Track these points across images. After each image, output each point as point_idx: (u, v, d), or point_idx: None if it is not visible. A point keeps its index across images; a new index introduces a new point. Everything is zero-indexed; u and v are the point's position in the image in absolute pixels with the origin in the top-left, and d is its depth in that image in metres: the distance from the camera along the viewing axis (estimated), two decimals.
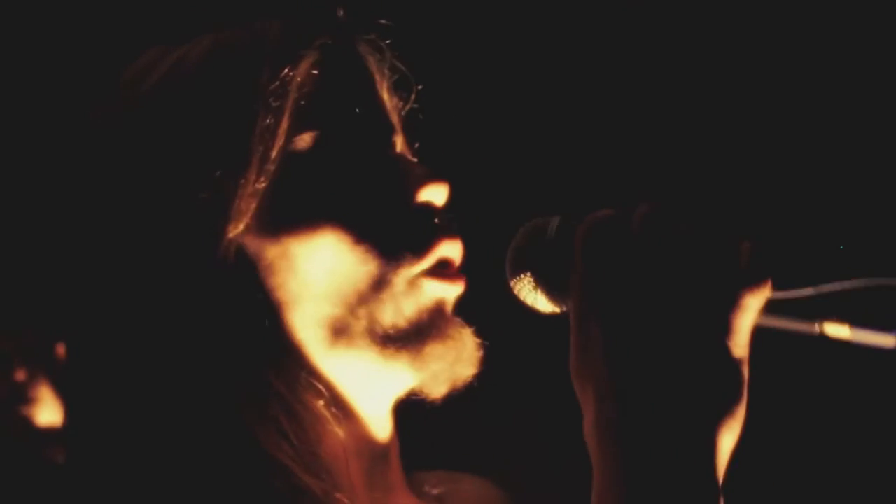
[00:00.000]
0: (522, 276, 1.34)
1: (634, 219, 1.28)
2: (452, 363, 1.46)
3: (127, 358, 1.38)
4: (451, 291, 1.48)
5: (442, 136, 1.67)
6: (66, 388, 1.44)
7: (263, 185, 1.40)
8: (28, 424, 2.80)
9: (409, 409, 1.57)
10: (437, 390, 1.51)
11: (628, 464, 1.20)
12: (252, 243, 1.41)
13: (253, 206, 1.39)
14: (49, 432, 2.89)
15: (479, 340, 1.51)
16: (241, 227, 1.39)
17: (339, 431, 1.44)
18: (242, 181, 1.38)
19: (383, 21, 1.62)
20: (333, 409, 1.44)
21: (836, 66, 2.32)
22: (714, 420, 1.21)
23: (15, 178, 1.52)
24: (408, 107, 1.65)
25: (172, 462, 1.34)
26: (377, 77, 1.59)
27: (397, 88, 1.64)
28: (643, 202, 1.29)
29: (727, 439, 1.22)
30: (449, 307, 1.49)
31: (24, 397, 2.80)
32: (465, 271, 1.52)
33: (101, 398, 1.40)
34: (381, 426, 1.53)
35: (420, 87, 1.66)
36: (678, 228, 1.26)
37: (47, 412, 2.88)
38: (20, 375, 2.78)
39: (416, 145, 1.66)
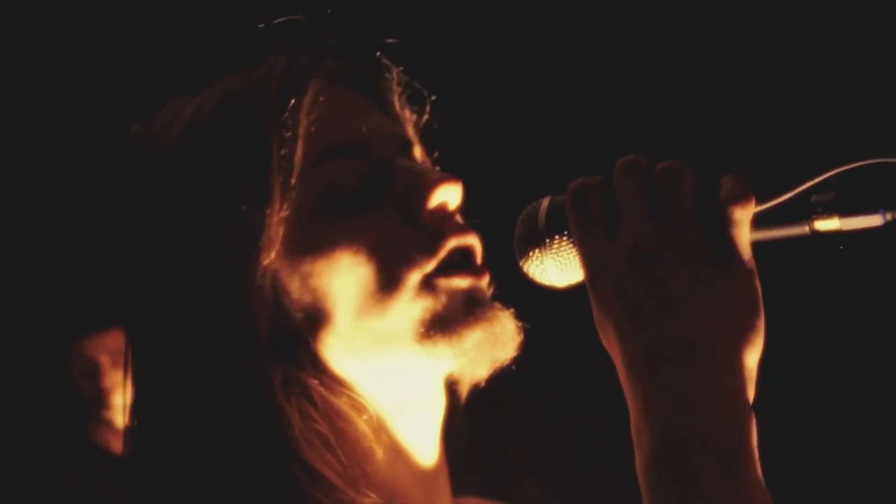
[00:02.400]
0: (530, 253, 1.39)
1: (617, 169, 1.33)
2: (491, 345, 1.50)
3: (180, 385, 1.46)
4: (475, 283, 1.52)
5: (459, 141, 1.74)
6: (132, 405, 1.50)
7: (287, 211, 1.47)
8: (112, 427, 2.94)
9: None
10: (477, 373, 1.55)
11: (658, 393, 1.22)
12: (284, 267, 1.48)
13: (281, 232, 1.47)
14: None
15: (518, 323, 1.55)
16: (273, 254, 1.46)
17: (383, 448, 1.48)
18: (268, 212, 1.46)
19: (389, 40, 1.70)
20: (377, 425, 1.49)
21: None
22: (735, 336, 1.23)
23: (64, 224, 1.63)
24: (424, 117, 1.73)
25: (219, 481, 1.40)
26: (386, 92, 1.67)
27: (412, 101, 1.72)
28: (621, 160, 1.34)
29: (751, 355, 1.24)
30: (482, 293, 1.53)
31: (108, 401, 2.93)
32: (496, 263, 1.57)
33: (159, 429, 1.47)
34: (428, 442, 1.56)
35: (433, 98, 1.74)
36: (658, 172, 1.31)
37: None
38: (106, 380, 2.91)
39: (436, 154, 1.73)
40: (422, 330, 1.48)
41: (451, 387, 1.62)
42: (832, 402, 2.24)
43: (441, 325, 1.48)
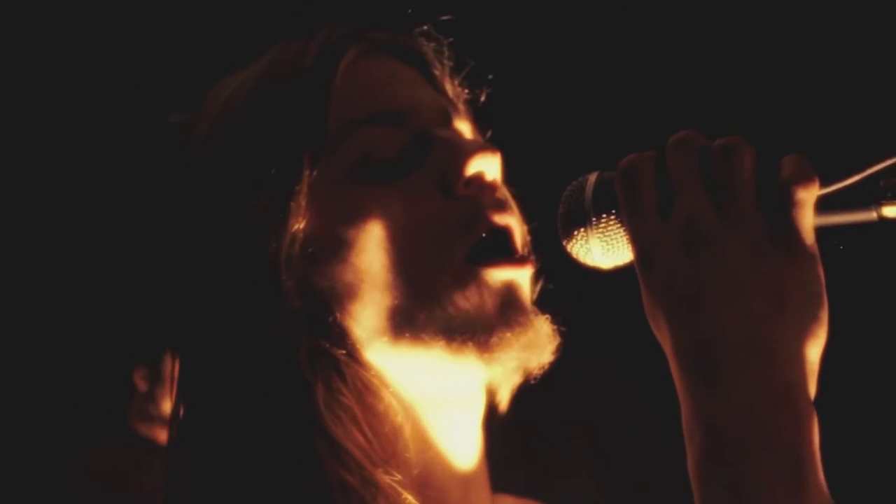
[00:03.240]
0: (575, 233, 1.31)
1: (671, 145, 1.25)
2: (524, 352, 1.41)
3: (213, 348, 1.42)
4: (514, 275, 1.44)
5: (510, 118, 1.67)
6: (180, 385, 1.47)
7: (318, 177, 1.42)
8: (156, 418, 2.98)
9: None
10: (510, 381, 1.47)
11: (712, 389, 1.14)
12: (314, 235, 1.42)
13: (311, 198, 1.41)
14: None
15: (554, 327, 1.46)
16: (303, 220, 1.41)
17: (414, 431, 1.41)
18: (298, 176, 1.41)
19: (443, 17, 1.64)
20: (409, 405, 1.42)
21: None
22: (797, 328, 1.15)
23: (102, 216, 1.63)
24: (479, 95, 1.67)
25: (245, 451, 1.35)
26: (433, 64, 1.61)
27: (467, 79, 1.66)
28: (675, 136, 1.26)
29: (814, 348, 1.16)
30: (519, 292, 1.44)
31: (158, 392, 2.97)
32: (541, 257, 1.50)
33: (197, 392, 1.44)
34: (465, 439, 1.48)
35: (489, 77, 1.67)
36: (716, 149, 1.22)
37: None
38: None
39: (489, 133, 1.66)
40: (448, 328, 1.39)
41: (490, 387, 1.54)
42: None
43: (470, 329, 1.39)
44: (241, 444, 1.36)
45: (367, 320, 1.42)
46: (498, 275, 1.42)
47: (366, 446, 1.36)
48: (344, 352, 1.40)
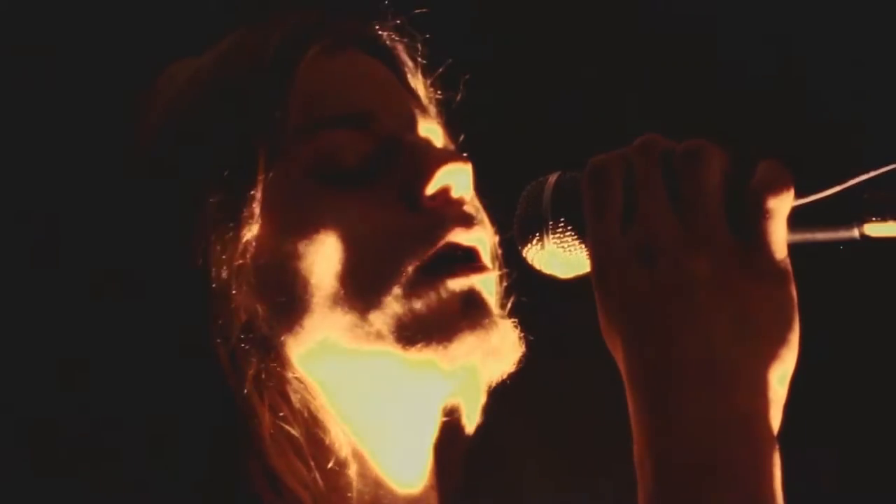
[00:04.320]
0: (531, 238, 1.21)
1: (634, 149, 1.15)
2: (486, 357, 1.31)
3: (135, 361, 1.29)
4: (475, 281, 1.33)
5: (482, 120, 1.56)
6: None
7: (274, 183, 1.31)
8: None
9: None
10: (474, 392, 1.38)
11: (663, 416, 1.05)
12: (267, 245, 1.31)
13: (265, 206, 1.30)
14: None
15: (519, 332, 1.36)
16: (256, 229, 1.30)
17: (361, 466, 1.31)
18: (252, 181, 1.30)
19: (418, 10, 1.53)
20: (357, 436, 1.32)
21: None
22: (761, 352, 1.05)
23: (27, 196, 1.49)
24: (452, 96, 1.56)
25: (179, 480, 1.23)
26: (405, 62, 1.50)
27: (440, 79, 1.54)
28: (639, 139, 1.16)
29: (780, 375, 1.05)
30: (481, 295, 1.34)
31: None
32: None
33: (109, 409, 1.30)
34: (415, 466, 1.38)
35: (465, 77, 1.56)
36: (680, 153, 1.12)
37: None
38: None
39: (461, 138, 1.54)
40: (406, 333, 1.29)
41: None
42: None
43: (428, 329, 1.29)
44: (176, 473, 1.24)
45: (319, 335, 1.31)
46: (457, 282, 1.32)
47: (308, 480, 1.26)
48: (293, 374, 1.29)
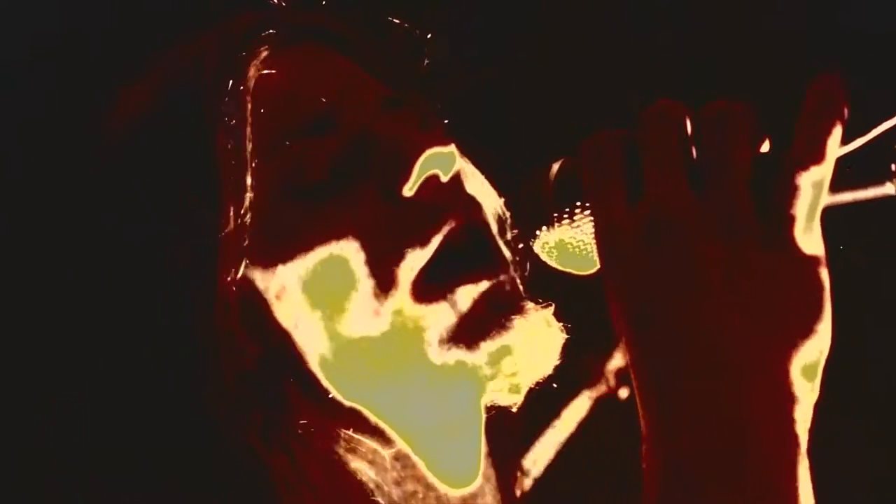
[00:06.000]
0: (537, 231, 1.10)
1: (647, 114, 1.01)
2: (522, 356, 1.22)
3: (140, 413, 1.19)
4: (482, 286, 1.23)
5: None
6: None
7: (248, 215, 1.19)
8: None
9: None
10: (511, 394, 1.29)
11: (669, 413, 0.94)
12: (255, 281, 1.21)
13: (245, 237, 1.19)
14: None
15: (559, 324, 1.26)
16: (240, 267, 1.19)
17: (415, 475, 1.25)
18: (222, 219, 1.18)
19: None
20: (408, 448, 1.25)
21: None
22: (783, 342, 0.92)
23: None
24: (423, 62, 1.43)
25: None
26: (364, 42, 1.38)
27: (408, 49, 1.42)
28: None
29: (806, 370, 0.93)
30: (503, 292, 1.23)
31: None
32: None
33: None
34: (466, 462, 1.32)
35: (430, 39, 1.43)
36: (705, 117, 0.99)
37: None
38: None
39: (439, 106, 1.40)
40: (428, 346, 1.21)
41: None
42: None
43: (450, 336, 1.21)
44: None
45: (334, 367, 1.22)
46: (467, 290, 1.22)
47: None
48: (312, 418, 1.20)
